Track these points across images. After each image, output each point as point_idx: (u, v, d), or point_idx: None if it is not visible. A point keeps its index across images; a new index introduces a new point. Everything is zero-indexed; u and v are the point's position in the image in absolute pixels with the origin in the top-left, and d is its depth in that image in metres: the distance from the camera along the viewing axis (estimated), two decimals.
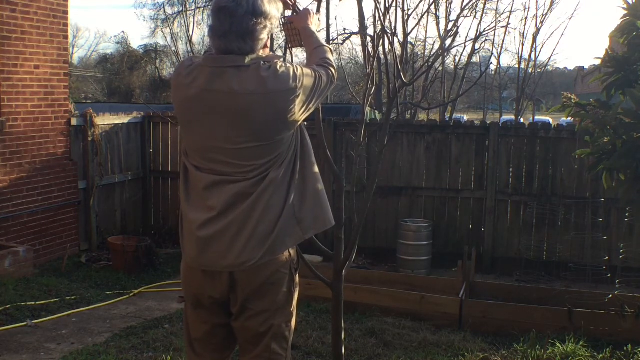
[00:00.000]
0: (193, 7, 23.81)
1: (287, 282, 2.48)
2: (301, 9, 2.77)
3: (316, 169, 2.56)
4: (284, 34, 2.80)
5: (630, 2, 3.46)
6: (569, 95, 3.81)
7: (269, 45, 2.47)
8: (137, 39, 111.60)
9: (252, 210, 2.37)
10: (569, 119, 4.27)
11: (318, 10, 3.02)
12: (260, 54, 2.37)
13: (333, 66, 2.59)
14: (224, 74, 2.31)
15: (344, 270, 3.30)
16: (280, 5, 2.46)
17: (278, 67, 2.34)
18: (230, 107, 2.30)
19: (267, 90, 2.29)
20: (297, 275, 2.55)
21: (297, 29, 2.70)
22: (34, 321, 5.03)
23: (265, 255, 2.38)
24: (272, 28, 2.40)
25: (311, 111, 2.47)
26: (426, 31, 27.44)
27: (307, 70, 2.43)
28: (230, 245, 2.36)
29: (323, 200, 2.55)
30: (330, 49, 2.66)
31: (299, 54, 21.89)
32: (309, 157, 2.53)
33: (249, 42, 2.31)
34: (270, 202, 2.38)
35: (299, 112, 2.38)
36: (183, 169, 2.49)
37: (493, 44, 22.30)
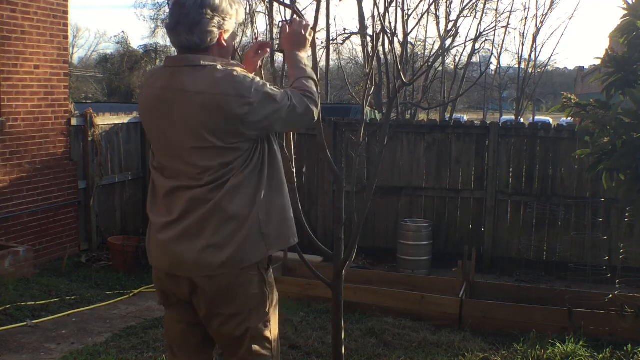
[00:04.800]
0: None
1: (257, 283, 2.44)
2: (302, 11, 2.76)
3: (284, 185, 2.50)
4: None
5: (630, 2, 3.45)
6: (569, 96, 3.80)
7: (225, 43, 2.40)
8: (137, 39, 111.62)
9: (209, 218, 2.33)
10: (569, 119, 4.27)
11: (317, 11, 3.01)
12: (216, 54, 2.37)
13: (316, 102, 2.45)
14: (180, 73, 2.34)
15: (344, 270, 3.29)
16: (241, 8, 2.44)
17: (235, 72, 2.30)
18: (184, 105, 2.30)
19: (216, 92, 2.27)
20: (270, 275, 2.52)
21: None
22: (34, 321, 5.03)
23: (224, 267, 2.34)
24: (223, 24, 2.36)
25: (270, 132, 2.40)
26: (426, 31, 27.53)
27: (275, 90, 2.34)
28: (187, 251, 2.35)
29: (289, 217, 2.50)
30: (316, 82, 2.54)
31: None
32: (276, 172, 2.46)
33: (197, 33, 2.32)
34: (230, 212, 2.33)
35: (252, 125, 2.30)
36: (151, 176, 2.52)
37: (493, 44, 22.39)
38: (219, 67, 2.31)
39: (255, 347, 2.44)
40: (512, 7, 32.30)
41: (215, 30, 2.34)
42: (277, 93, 2.33)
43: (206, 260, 2.34)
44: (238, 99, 2.26)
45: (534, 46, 24.70)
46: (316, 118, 2.47)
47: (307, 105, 2.41)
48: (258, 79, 2.35)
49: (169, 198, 2.40)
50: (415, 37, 21.57)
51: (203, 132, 2.29)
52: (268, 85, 2.34)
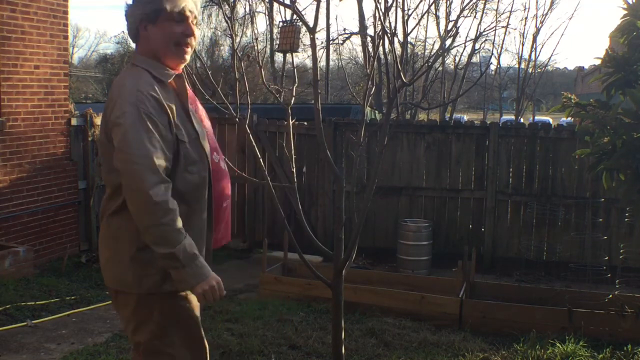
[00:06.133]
0: None
1: (147, 305, 2.29)
2: (301, 11, 2.74)
3: (191, 217, 2.27)
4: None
5: (630, 2, 3.46)
6: (569, 95, 3.80)
7: (147, 35, 2.28)
8: None
9: (106, 230, 2.32)
10: (569, 119, 4.27)
11: (317, 11, 3.00)
12: (141, 47, 2.31)
13: (151, 215, 2.09)
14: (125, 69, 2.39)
15: (344, 270, 3.29)
16: (177, 1, 2.28)
17: (132, 86, 2.17)
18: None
19: (114, 90, 2.22)
20: (171, 304, 2.30)
21: (292, 32, 2.66)
22: (34, 321, 5.03)
23: (113, 284, 2.34)
24: (143, 15, 2.26)
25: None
26: (426, 31, 27.55)
27: (136, 133, 2.08)
28: (101, 257, 2.41)
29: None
30: (176, 257, 2.14)
31: (299, 54, 21.89)
32: (184, 200, 2.24)
33: (128, 26, 2.32)
34: (119, 233, 2.25)
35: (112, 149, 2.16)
36: None
37: (493, 44, 22.42)
38: (135, 72, 2.24)
39: (134, 354, 2.42)
40: (512, 7, 32.33)
41: (135, 23, 2.28)
42: (137, 143, 2.08)
43: (104, 273, 2.37)
44: (113, 106, 2.17)
45: (534, 46, 24.75)
46: (143, 201, 2.10)
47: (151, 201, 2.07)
48: (148, 111, 2.14)
49: None
50: (415, 37, 21.61)
51: (106, 125, 2.23)
52: (143, 129, 2.09)
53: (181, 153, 2.22)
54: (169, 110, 2.20)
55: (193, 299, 2.35)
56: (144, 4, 2.26)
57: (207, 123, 2.53)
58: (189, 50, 2.33)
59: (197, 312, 2.41)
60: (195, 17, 2.34)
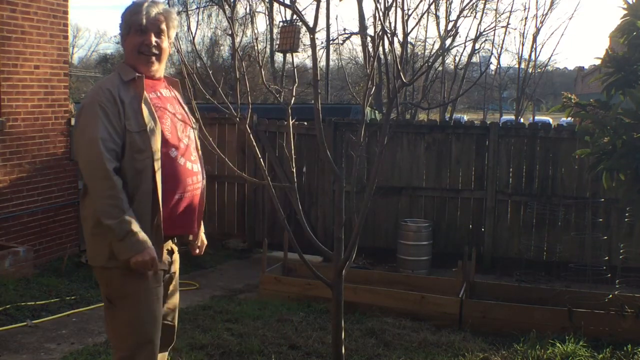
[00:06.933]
0: (194, 7, 23.87)
1: (103, 277, 2.64)
2: (301, 11, 2.75)
3: (142, 199, 2.56)
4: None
5: (630, 2, 3.46)
6: (569, 95, 3.80)
7: (125, 48, 2.73)
8: None
9: (81, 213, 2.77)
10: (569, 119, 4.27)
11: (317, 10, 3.00)
12: (129, 57, 2.71)
13: (98, 200, 2.51)
14: None
15: (344, 271, 3.29)
16: (137, 13, 2.66)
17: (97, 88, 2.62)
18: None
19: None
20: (121, 281, 2.58)
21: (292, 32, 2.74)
22: (34, 321, 5.02)
23: (89, 261, 2.71)
24: (121, 35, 2.70)
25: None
26: (426, 31, 27.55)
27: (93, 132, 2.51)
28: None
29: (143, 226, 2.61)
30: (113, 228, 2.50)
31: (299, 54, 21.90)
32: (132, 184, 2.56)
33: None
34: (86, 212, 2.65)
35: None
36: None
37: (493, 44, 22.40)
38: (110, 76, 2.72)
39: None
40: (512, 7, 32.30)
41: (121, 36, 2.73)
42: (91, 127, 2.52)
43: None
44: (84, 100, 2.70)
45: (534, 46, 24.74)
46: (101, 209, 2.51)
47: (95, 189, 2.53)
48: (101, 101, 2.56)
49: None
50: (415, 37, 21.60)
51: None
52: (93, 115, 2.54)
53: (128, 140, 2.56)
54: (119, 102, 2.57)
55: (149, 285, 2.60)
56: (122, 23, 2.71)
57: (186, 127, 2.83)
58: (153, 58, 2.70)
59: (153, 298, 2.64)
60: (162, 30, 2.71)
